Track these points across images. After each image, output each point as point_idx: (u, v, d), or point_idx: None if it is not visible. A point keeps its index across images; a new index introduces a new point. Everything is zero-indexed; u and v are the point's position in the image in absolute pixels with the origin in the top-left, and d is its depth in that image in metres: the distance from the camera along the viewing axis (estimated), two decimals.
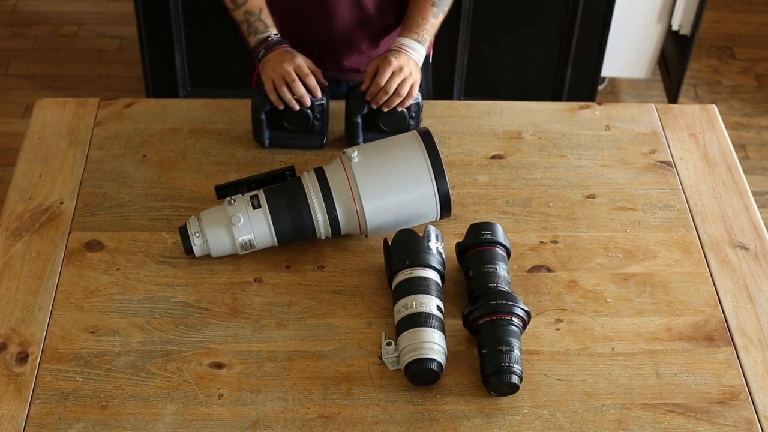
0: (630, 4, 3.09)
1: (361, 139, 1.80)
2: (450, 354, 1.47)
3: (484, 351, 1.43)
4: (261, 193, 1.59)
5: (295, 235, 1.60)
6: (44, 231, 1.65)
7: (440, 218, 1.64)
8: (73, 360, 1.47)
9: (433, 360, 1.42)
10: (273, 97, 1.74)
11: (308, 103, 1.74)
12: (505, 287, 1.51)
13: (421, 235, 1.55)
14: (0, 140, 3.16)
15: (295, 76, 1.73)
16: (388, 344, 1.46)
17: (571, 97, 3.03)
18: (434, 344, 1.43)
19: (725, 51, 3.64)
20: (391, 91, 1.72)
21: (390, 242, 1.56)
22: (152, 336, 1.50)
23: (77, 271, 1.59)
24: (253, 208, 1.57)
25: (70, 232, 1.66)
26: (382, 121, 1.78)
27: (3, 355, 1.47)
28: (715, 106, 1.98)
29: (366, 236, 1.63)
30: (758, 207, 1.79)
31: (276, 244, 1.60)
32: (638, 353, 1.50)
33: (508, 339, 1.43)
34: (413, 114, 1.79)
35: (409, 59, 1.75)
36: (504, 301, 1.45)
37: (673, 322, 1.55)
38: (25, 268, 1.59)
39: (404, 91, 1.74)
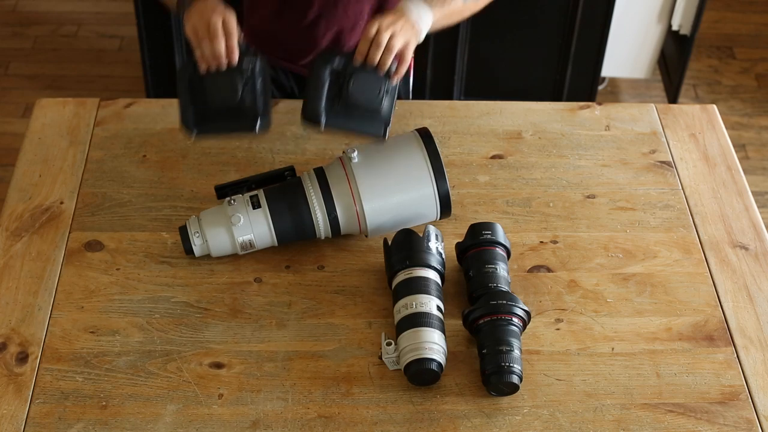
0: (630, 4, 3.09)
1: (323, 107, 1.49)
2: (450, 354, 1.47)
3: (484, 351, 1.43)
4: (261, 193, 1.59)
5: (295, 235, 1.60)
6: (44, 231, 1.65)
7: (440, 218, 1.64)
8: (73, 360, 1.47)
9: (433, 360, 1.42)
10: (197, 53, 1.52)
11: (222, 62, 1.49)
12: (505, 287, 1.51)
13: (421, 235, 1.55)
14: (0, 140, 3.16)
15: (219, 32, 1.49)
16: (388, 344, 1.46)
17: (571, 97, 3.03)
18: (434, 344, 1.43)
19: (725, 51, 3.64)
20: (383, 43, 1.50)
21: (390, 242, 1.56)
22: (152, 336, 1.50)
23: (77, 271, 1.59)
24: (253, 208, 1.57)
25: (70, 232, 1.66)
26: (353, 86, 1.49)
27: (3, 355, 1.47)
28: (715, 106, 1.98)
29: (366, 236, 1.63)
30: (758, 207, 1.79)
31: (276, 244, 1.60)
32: (638, 353, 1.50)
33: (508, 339, 1.43)
34: (388, 89, 1.52)
35: (407, 16, 1.55)
36: (504, 301, 1.45)
37: (673, 322, 1.55)
38: (25, 268, 1.59)
39: (396, 43, 1.51)
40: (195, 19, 1.52)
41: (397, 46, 1.51)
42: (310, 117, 1.43)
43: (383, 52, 1.49)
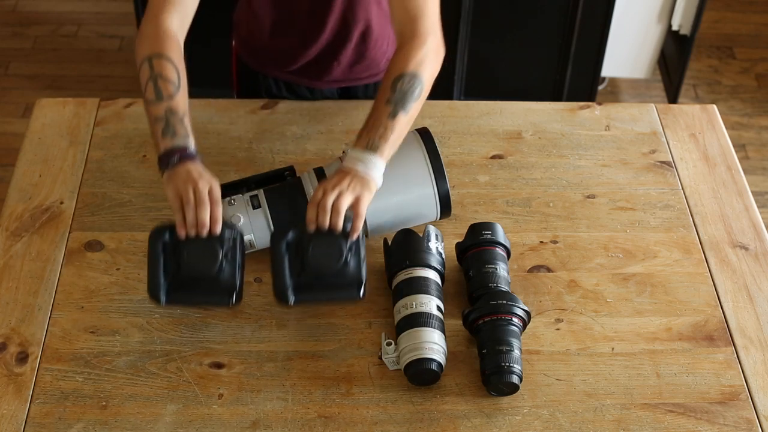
0: (630, 4, 3.09)
1: (288, 284, 1.42)
2: (450, 354, 1.47)
3: (484, 351, 1.43)
4: (261, 193, 1.59)
5: None
6: (44, 231, 1.65)
7: (440, 218, 1.64)
8: (73, 360, 1.47)
9: (433, 360, 1.42)
10: (179, 217, 1.44)
11: (204, 232, 1.42)
12: (505, 287, 1.51)
13: (421, 235, 1.55)
14: (0, 140, 3.16)
15: (206, 199, 1.42)
16: (388, 344, 1.46)
17: (571, 97, 3.03)
18: (434, 344, 1.43)
19: (725, 51, 3.64)
20: (328, 206, 1.42)
21: (390, 242, 1.56)
22: (152, 336, 1.50)
23: (77, 271, 1.59)
24: (253, 208, 1.57)
25: (70, 232, 1.66)
26: (313, 254, 1.42)
27: (3, 355, 1.47)
28: (715, 106, 1.98)
29: (366, 236, 1.63)
30: (758, 207, 1.79)
31: None
32: (638, 353, 1.50)
33: (508, 339, 1.43)
34: (351, 247, 1.43)
35: (353, 172, 1.45)
36: (504, 301, 1.45)
37: (673, 322, 1.55)
38: (25, 268, 1.59)
39: (344, 202, 1.42)
40: (179, 183, 1.44)
41: (346, 204, 1.43)
42: (277, 297, 1.39)
43: (332, 214, 1.42)
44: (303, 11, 1.77)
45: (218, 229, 1.43)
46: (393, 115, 1.48)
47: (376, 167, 1.46)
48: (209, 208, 1.42)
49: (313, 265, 1.40)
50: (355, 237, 1.43)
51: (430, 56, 1.53)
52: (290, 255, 1.41)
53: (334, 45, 1.82)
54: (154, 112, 1.50)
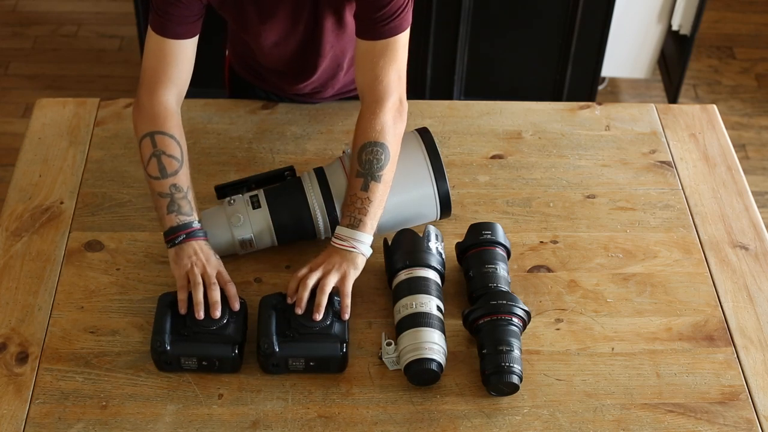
0: (630, 4, 3.09)
1: (274, 336, 1.44)
2: (450, 354, 1.47)
3: (484, 351, 1.43)
4: (261, 193, 1.59)
5: (295, 235, 1.60)
6: (44, 231, 1.65)
7: (440, 218, 1.64)
8: (73, 360, 1.47)
9: (433, 360, 1.42)
10: (182, 295, 1.47)
11: (218, 314, 1.45)
12: (505, 287, 1.51)
13: (421, 235, 1.55)
14: (0, 140, 3.16)
15: (215, 280, 1.48)
16: (388, 344, 1.46)
17: (571, 97, 3.03)
18: (434, 344, 1.43)
19: (725, 51, 3.64)
20: (309, 284, 1.47)
21: (390, 242, 1.56)
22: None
23: (77, 271, 1.59)
24: (253, 208, 1.57)
25: (70, 232, 1.66)
26: (300, 317, 1.46)
27: (3, 355, 1.47)
28: (715, 106, 1.98)
29: None
30: (758, 207, 1.79)
31: (276, 244, 1.60)
32: (638, 353, 1.50)
33: (508, 339, 1.43)
34: (337, 311, 1.48)
35: (340, 250, 1.50)
36: (504, 301, 1.45)
37: (673, 322, 1.55)
38: (25, 268, 1.59)
39: (328, 283, 1.47)
40: (187, 263, 1.49)
41: (331, 283, 1.48)
42: (264, 349, 1.42)
43: (318, 292, 1.47)
44: (293, 59, 1.76)
45: (236, 305, 1.48)
46: (365, 187, 1.52)
47: (360, 242, 1.50)
48: (219, 290, 1.47)
49: (299, 323, 1.45)
50: (346, 317, 1.47)
51: (389, 120, 1.57)
52: (277, 315, 1.47)
53: (327, 77, 1.82)
54: (157, 188, 1.53)
